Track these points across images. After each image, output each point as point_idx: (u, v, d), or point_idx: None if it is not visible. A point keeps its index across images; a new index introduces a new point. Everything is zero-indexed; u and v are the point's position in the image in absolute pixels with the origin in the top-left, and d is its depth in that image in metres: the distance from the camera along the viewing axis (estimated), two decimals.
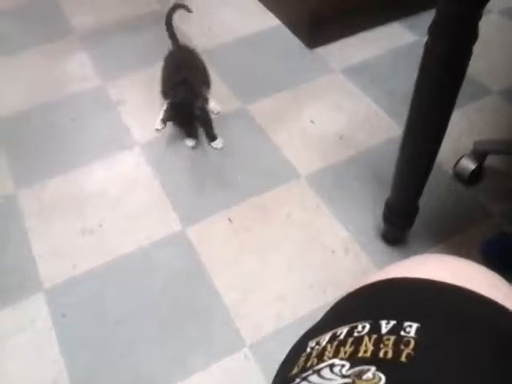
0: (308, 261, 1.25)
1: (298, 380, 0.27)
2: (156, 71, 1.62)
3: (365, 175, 1.43)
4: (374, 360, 0.25)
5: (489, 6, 0.82)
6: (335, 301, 0.36)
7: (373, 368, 0.25)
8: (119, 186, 1.43)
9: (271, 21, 1.94)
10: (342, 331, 0.29)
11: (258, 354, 1.08)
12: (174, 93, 1.47)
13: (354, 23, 1.83)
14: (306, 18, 1.78)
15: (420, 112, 1.00)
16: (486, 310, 0.29)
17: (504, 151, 1.45)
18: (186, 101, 1.42)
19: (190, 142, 1.52)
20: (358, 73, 1.73)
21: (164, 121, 1.55)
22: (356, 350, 0.26)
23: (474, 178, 1.38)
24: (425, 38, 0.90)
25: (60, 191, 1.42)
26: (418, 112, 1.00)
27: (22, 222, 1.34)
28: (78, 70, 1.78)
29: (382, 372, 0.24)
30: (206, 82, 1.62)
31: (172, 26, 1.67)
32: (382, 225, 1.26)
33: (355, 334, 0.28)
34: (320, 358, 0.28)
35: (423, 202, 1.17)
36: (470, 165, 1.38)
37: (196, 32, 1.90)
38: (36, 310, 1.17)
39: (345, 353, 0.27)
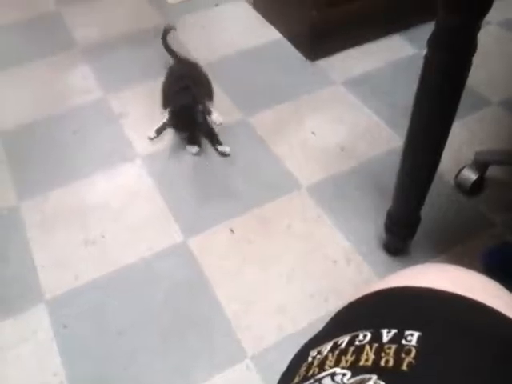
0: (309, 271, 1.25)
1: None
2: (158, 84, 1.63)
3: (366, 186, 1.43)
4: (375, 369, 0.25)
5: (487, 17, 0.83)
6: (336, 311, 0.36)
7: (374, 377, 0.25)
8: (121, 198, 1.43)
9: (272, 34, 1.96)
10: (344, 340, 0.29)
11: (260, 365, 1.08)
12: (175, 98, 1.49)
13: (354, 36, 1.85)
14: (306, 31, 1.80)
15: (420, 123, 1.01)
16: (487, 318, 0.29)
17: (505, 162, 1.45)
18: (188, 105, 1.43)
19: (192, 149, 1.53)
20: (358, 85, 1.74)
21: (159, 131, 1.57)
22: (357, 359, 0.27)
23: (476, 188, 1.38)
24: (424, 51, 0.91)
25: (62, 203, 1.42)
26: (418, 123, 1.00)
27: (25, 234, 1.34)
28: (81, 82, 1.80)
29: (384, 381, 0.24)
30: (208, 94, 1.64)
31: (169, 46, 1.71)
32: (383, 235, 1.26)
33: (356, 343, 0.28)
34: (321, 367, 0.28)
35: (425, 212, 1.17)
36: (471, 175, 1.38)
37: (198, 45, 1.92)
38: (37, 321, 1.17)
39: (346, 362, 0.27)
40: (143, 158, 1.53)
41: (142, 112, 1.68)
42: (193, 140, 1.53)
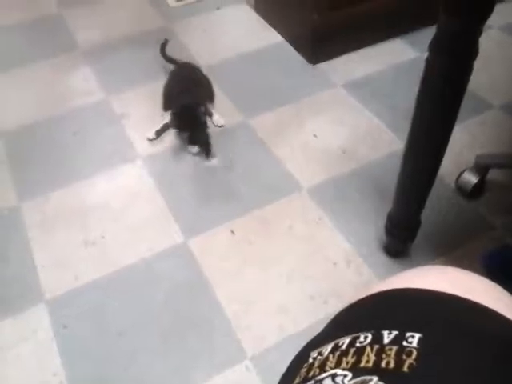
0: (310, 273, 1.25)
1: None
2: (159, 85, 1.64)
3: (367, 188, 1.43)
4: (376, 370, 0.26)
5: (489, 21, 0.83)
6: (336, 312, 0.36)
7: (375, 378, 0.25)
8: (121, 199, 1.43)
9: (274, 37, 1.97)
10: (344, 341, 0.29)
11: (260, 366, 1.08)
12: (177, 100, 1.50)
13: (355, 39, 1.85)
14: (307, 34, 1.80)
15: (422, 127, 1.01)
16: (487, 320, 0.29)
17: (506, 165, 1.45)
18: (190, 105, 1.44)
19: (193, 149, 1.53)
20: (359, 88, 1.74)
21: (159, 133, 1.57)
22: (358, 360, 0.27)
23: (476, 191, 1.38)
24: (425, 54, 0.91)
25: (62, 203, 1.42)
26: (419, 127, 1.01)
27: (25, 234, 1.34)
28: (82, 84, 1.80)
29: (384, 382, 0.25)
30: (209, 97, 1.64)
31: (168, 57, 1.73)
32: (383, 237, 1.26)
33: (357, 345, 0.28)
34: (322, 368, 0.28)
35: (425, 215, 1.17)
36: (471, 178, 1.38)
37: (199, 48, 1.92)
38: (37, 321, 1.17)
39: (347, 363, 0.27)
40: (144, 159, 1.54)
41: (143, 113, 1.68)
42: (194, 140, 1.54)
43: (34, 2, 2.19)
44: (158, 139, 1.58)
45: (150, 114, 1.66)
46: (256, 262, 1.27)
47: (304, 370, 0.29)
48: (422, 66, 0.92)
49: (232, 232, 1.34)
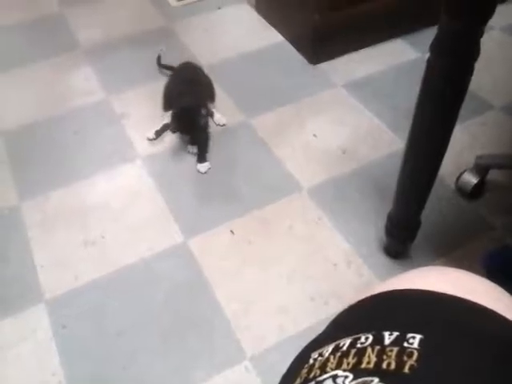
0: (310, 273, 1.25)
1: None
2: (160, 85, 1.64)
3: (367, 188, 1.43)
4: (377, 371, 0.25)
5: (490, 22, 0.83)
6: (337, 313, 0.36)
7: (376, 379, 0.25)
8: (121, 198, 1.43)
9: (275, 37, 1.97)
10: (345, 342, 0.29)
11: (259, 367, 1.08)
12: (178, 100, 1.49)
13: (356, 39, 1.85)
14: (308, 34, 1.80)
15: (422, 127, 1.01)
16: (487, 321, 0.29)
17: (506, 166, 1.45)
18: (190, 107, 1.44)
19: (193, 149, 1.53)
20: (360, 88, 1.74)
21: (158, 133, 1.57)
22: (359, 361, 0.27)
23: (476, 192, 1.38)
24: (427, 55, 0.91)
25: (63, 203, 1.42)
26: (420, 127, 1.01)
27: (25, 233, 1.34)
28: (83, 83, 1.80)
29: (385, 383, 0.24)
30: (210, 96, 1.64)
31: (164, 65, 1.75)
32: (383, 238, 1.26)
33: (358, 346, 0.28)
34: (323, 369, 0.28)
35: (425, 215, 1.17)
36: (472, 179, 1.38)
37: (200, 48, 1.92)
38: (37, 321, 1.17)
39: (348, 364, 0.27)
40: (144, 159, 1.54)
41: (143, 113, 1.68)
42: (193, 141, 1.54)
43: (35, 2, 2.19)
44: (158, 139, 1.58)
45: (151, 113, 1.65)
46: (256, 262, 1.27)
47: (305, 371, 0.29)
48: (422, 66, 0.92)
49: (232, 232, 1.34)
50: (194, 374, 1.08)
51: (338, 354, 0.28)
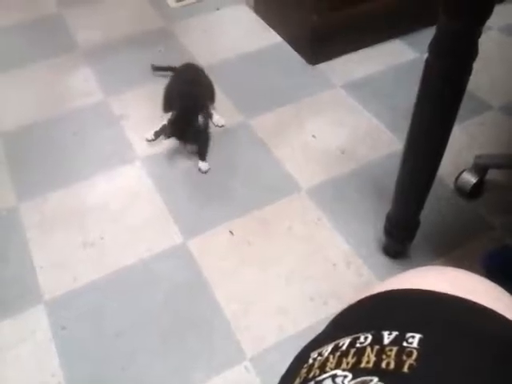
0: (309, 273, 1.25)
1: None
2: (159, 86, 1.64)
3: (366, 189, 1.43)
4: (376, 371, 0.25)
5: (488, 22, 0.83)
6: (336, 313, 0.36)
7: (375, 379, 0.25)
8: (120, 199, 1.43)
9: (273, 38, 1.97)
10: (345, 342, 0.29)
11: (259, 367, 1.08)
12: (178, 102, 1.49)
13: (354, 40, 1.85)
14: (307, 34, 1.80)
15: (421, 127, 1.01)
16: (487, 320, 0.29)
17: (505, 165, 1.45)
18: (190, 111, 1.43)
19: (192, 148, 1.53)
20: (359, 88, 1.74)
21: (158, 134, 1.57)
22: (358, 361, 0.27)
23: (475, 191, 1.39)
24: (425, 55, 0.91)
25: (61, 204, 1.42)
26: (418, 127, 1.01)
27: (24, 234, 1.34)
28: (82, 84, 1.80)
29: (385, 383, 0.24)
30: (211, 98, 1.64)
31: (158, 68, 1.75)
32: (383, 238, 1.26)
33: (357, 345, 0.28)
34: (322, 368, 0.28)
35: (424, 215, 1.17)
36: (471, 179, 1.38)
37: (199, 49, 1.92)
38: (36, 322, 1.17)
39: (347, 364, 0.27)
40: (143, 160, 1.54)
41: (142, 114, 1.68)
42: (194, 141, 1.53)
43: (34, 2, 2.19)
44: (157, 140, 1.58)
45: (150, 115, 1.65)
46: (255, 262, 1.27)
47: (304, 371, 0.29)
48: (421, 66, 0.92)
49: (231, 232, 1.34)
50: (193, 375, 1.07)
51: (338, 353, 0.28)
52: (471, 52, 0.87)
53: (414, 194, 1.14)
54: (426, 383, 0.25)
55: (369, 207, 1.38)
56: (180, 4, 2.15)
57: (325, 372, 0.27)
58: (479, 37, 0.85)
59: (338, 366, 0.27)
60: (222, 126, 1.62)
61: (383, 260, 1.27)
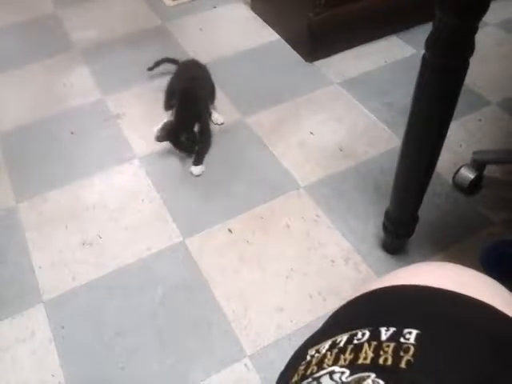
0: (308, 271, 1.25)
1: None
2: (155, 85, 1.64)
3: (364, 185, 1.43)
4: (373, 367, 0.25)
5: (485, 18, 0.83)
6: (335, 310, 0.36)
7: (372, 375, 0.25)
8: (119, 198, 1.43)
9: (270, 35, 1.96)
10: (342, 339, 0.29)
11: (259, 364, 1.08)
12: (177, 107, 1.49)
13: (351, 37, 1.85)
14: (304, 32, 1.80)
15: (418, 123, 1.01)
16: (485, 316, 0.29)
17: (503, 161, 1.45)
18: (187, 123, 1.43)
19: (186, 154, 1.52)
20: (356, 85, 1.74)
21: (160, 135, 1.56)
22: (356, 357, 0.27)
23: (473, 187, 1.39)
24: (422, 51, 0.91)
25: (60, 203, 1.42)
26: (416, 123, 1.01)
27: (23, 234, 1.34)
28: (79, 84, 1.79)
29: (382, 379, 0.24)
30: (211, 97, 1.64)
31: (156, 63, 1.73)
32: (381, 234, 1.26)
33: (355, 342, 0.28)
34: (320, 365, 0.28)
35: (423, 211, 1.18)
36: (469, 174, 1.38)
37: (196, 47, 1.92)
38: (35, 322, 1.17)
39: (344, 360, 0.27)
40: (141, 159, 1.53)
41: (139, 113, 1.68)
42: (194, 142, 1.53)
43: (30, 3, 2.18)
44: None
45: (147, 113, 1.65)
46: (254, 260, 1.27)
47: (302, 368, 0.29)
48: (418, 63, 0.92)
49: (230, 231, 1.34)
50: (193, 373, 1.08)
51: (335, 350, 0.28)
52: (468, 48, 0.87)
53: (412, 190, 1.14)
54: (424, 379, 0.25)
55: (367, 204, 1.38)
56: (176, 2, 2.15)
57: (322, 369, 0.27)
58: (475, 32, 0.85)
59: (335, 362, 0.27)
60: (222, 123, 1.61)
61: (382, 256, 1.27)
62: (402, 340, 0.27)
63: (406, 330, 0.27)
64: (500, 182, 1.44)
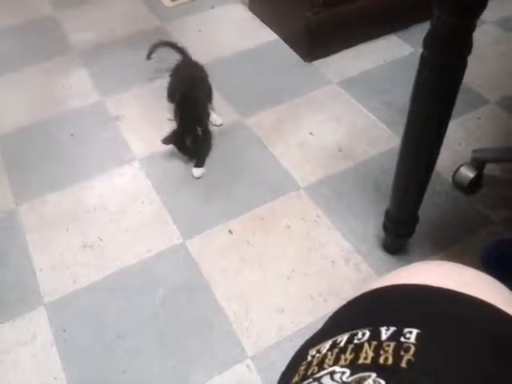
0: (308, 271, 1.25)
1: None
2: (155, 86, 1.64)
3: (364, 185, 1.43)
4: (374, 366, 0.25)
5: (483, 16, 0.83)
6: (335, 310, 0.36)
7: (373, 374, 0.25)
8: (119, 200, 1.43)
9: (268, 35, 1.96)
10: (343, 339, 0.29)
11: (260, 365, 1.08)
12: (178, 110, 1.49)
13: (349, 36, 1.85)
14: (302, 32, 1.80)
15: (417, 122, 1.01)
16: (485, 314, 0.29)
17: (502, 159, 1.45)
18: (188, 126, 1.43)
19: (189, 158, 1.52)
20: (355, 85, 1.74)
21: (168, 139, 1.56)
22: (356, 357, 0.27)
23: (473, 186, 1.39)
24: (420, 50, 0.91)
25: (60, 206, 1.42)
26: (415, 122, 1.01)
27: (23, 237, 1.34)
28: (77, 86, 1.79)
29: (383, 378, 0.24)
30: (209, 98, 1.64)
31: (152, 51, 1.70)
32: (382, 234, 1.26)
33: (355, 341, 0.28)
34: (320, 365, 0.28)
35: (423, 210, 1.17)
36: (468, 173, 1.38)
37: (195, 47, 1.92)
38: (37, 325, 1.17)
39: (345, 360, 0.27)
40: (141, 160, 1.53)
41: (139, 114, 1.68)
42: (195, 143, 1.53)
43: (28, 5, 2.18)
44: (155, 140, 1.57)
45: (146, 115, 1.65)
46: (254, 261, 1.27)
47: (302, 368, 0.29)
48: (417, 61, 0.92)
49: (230, 232, 1.34)
50: (195, 375, 1.08)
51: (336, 350, 0.28)
52: (466, 46, 0.87)
53: (412, 189, 1.14)
54: (424, 378, 0.25)
55: (367, 204, 1.38)
56: (175, 3, 2.15)
57: (323, 369, 0.27)
58: (473, 31, 0.85)
59: (336, 362, 0.27)
60: (220, 125, 1.61)
61: (382, 256, 1.27)
62: (402, 339, 0.27)
63: (407, 330, 0.27)
64: (500, 181, 1.44)
